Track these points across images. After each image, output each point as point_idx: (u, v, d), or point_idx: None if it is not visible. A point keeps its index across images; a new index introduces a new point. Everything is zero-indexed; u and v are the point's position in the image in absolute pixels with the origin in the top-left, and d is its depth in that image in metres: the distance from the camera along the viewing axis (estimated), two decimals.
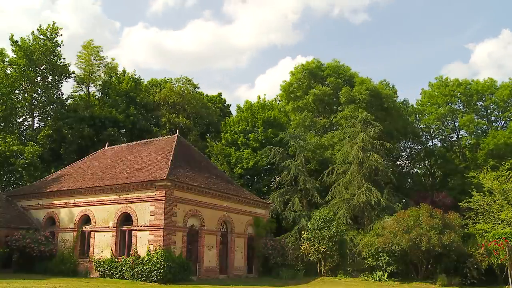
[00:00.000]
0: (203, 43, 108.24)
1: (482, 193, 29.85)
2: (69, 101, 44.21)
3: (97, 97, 46.18)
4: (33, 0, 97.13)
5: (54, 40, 40.48)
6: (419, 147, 50.40)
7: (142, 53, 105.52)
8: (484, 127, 46.75)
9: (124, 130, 43.53)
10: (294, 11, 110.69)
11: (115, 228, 23.46)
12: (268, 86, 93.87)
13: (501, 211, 27.83)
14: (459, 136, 48.13)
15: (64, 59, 41.56)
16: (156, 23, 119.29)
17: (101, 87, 45.41)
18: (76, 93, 45.37)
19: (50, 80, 41.58)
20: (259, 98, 47.06)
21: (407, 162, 52.49)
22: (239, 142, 41.86)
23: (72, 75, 42.93)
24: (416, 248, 23.54)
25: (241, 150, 41.30)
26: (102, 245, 23.72)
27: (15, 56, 38.75)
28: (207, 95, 54.54)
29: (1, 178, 35.54)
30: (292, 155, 38.97)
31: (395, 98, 46.72)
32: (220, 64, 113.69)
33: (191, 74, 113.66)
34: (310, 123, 44.62)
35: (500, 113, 47.10)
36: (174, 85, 49.86)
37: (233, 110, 57.14)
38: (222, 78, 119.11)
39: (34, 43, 39.27)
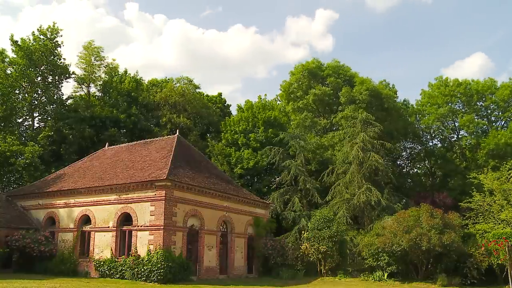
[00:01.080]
0: (239, 49, 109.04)
1: (482, 193, 29.83)
2: (69, 101, 44.23)
3: (97, 97, 46.18)
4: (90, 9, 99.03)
5: (54, 40, 40.51)
6: (419, 147, 50.44)
7: (175, 53, 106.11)
8: (484, 127, 46.73)
9: (125, 130, 43.54)
10: (324, 19, 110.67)
11: (115, 228, 23.46)
12: None
13: (501, 211, 27.82)
14: (459, 136, 48.14)
15: (64, 59, 41.73)
16: (202, 24, 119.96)
17: (101, 87, 45.42)
18: (77, 93, 45.43)
19: (50, 80, 41.61)
20: (260, 98, 47.11)
21: (407, 162, 52.58)
22: (239, 142, 41.85)
23: (72, 75, 42.98)
24: (417, 248, 23.53)
25: (241, 150, 41.29)
26: (102, 245, 23.72)
27: (15, 56, 38.77)
28: (207, 95, 54.54)
29: (1, 178, 35.54)
30: (292, 155, 38.97)
31: (395, 99, 46.76)
32: (249, 71, 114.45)
33: (223, 79, 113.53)
34: (310, 124, 44.56)
35: (500, 113, 47.08)
36: (175, 85, 49.86)
37: (234, 110, 57.24)
38: (253, 85, 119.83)
39: (34, 43, 39.29)
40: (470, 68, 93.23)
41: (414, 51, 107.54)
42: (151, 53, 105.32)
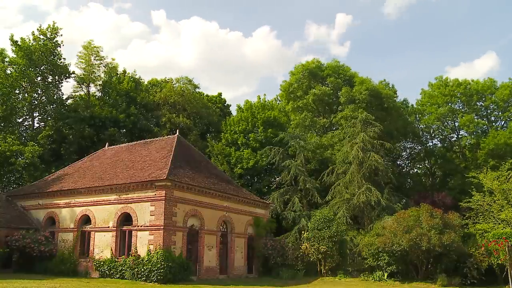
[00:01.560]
0: (256, 52, 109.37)
1: (482, 193, 29.84)
2: (69, 101, 44.23)
3: (97, 97, 46.16)
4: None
5: (54, 40, 40.49)
6: (419, 147, 50.48)
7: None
8: (484, 127, 46.82)
9: (124, 130, 43.52)
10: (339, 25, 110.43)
11: (115, 228, 23.46)
12: None
13: (501, 211, 27.82)
14: (459, 136, 48.20)
15: (64, 59, 41.70)
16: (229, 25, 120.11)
17: (101, 87, 45.41)
18: (76, 93, 45.40)
19: (50, 80, 41.57)
20: (259, 98, 47.10)
21: (407, 162, 52.60)
22: (239, 142, 41.85)
23: (72, 75, 42.97)
24: (417, 248, 23.52)
25: (241, 150, 41.28)
26: (102, 245, 23.71)
27: (15, 56, 38.73)
28: (207, 95, 54.56)
29: (1, 178, 35.52)
30: (292, 155, 38.96)
31: (395, 98, 46.80)
32: (266, 75, 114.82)
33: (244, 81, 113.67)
34: (310, 123, 44.62)
35: (500, 113, 47.16)
36: (174, 85, 49.88)
37: (233, 110, 57.23)
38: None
39: (34, 43, 39.26)
40: (481, 69, 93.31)
41: (423, 52, 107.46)
42: (170, 53, 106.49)
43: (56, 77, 41.75)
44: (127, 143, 32.83)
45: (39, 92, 40.73)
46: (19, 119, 40.81)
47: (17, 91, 38.88)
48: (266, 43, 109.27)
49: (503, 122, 47.59)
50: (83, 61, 44.13)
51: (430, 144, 50.27)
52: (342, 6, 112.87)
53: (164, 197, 21.90)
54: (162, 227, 21.58)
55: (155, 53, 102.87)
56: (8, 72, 37.64)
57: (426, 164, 51.06)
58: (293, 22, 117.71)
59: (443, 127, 48.41)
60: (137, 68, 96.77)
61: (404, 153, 51.65)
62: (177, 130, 31.24)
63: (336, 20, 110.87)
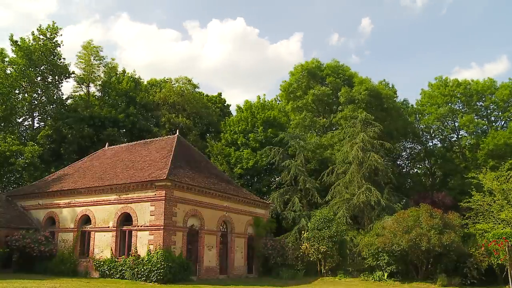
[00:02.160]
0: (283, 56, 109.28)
1: (482, 193, 29.85)
2: (69, 101, 44.24)
3: (97, 97, 46.18)
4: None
5: (54, 40, 40.50)
6: (419, 147, 50.53)
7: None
8: (484, 127, 46.85)
9: (124, 130, 43.52)
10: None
11: (115, 228, 23.45)
12: None
13: (501, 211, 27.83)
14: (459, 136, 48.24)
15: (64, 59, 41.72)
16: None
17: (101, 87, 45.41)
18: (76, 93, 45.40)
19: (50, 80, 41.59)
20: (259, 98, 47.12)
21: (407, 162, 52.64)
22: (239, 142, 41.86)
23: (72, 75, 42.98)
24: (416, 248, 23.53)
25: (241, 150, 41.30)
26: (102, 245, 23.71)
27: (15, 56, 38.73)
28: (207, 95, 54.57)
29: (1, 178, 35.51)
30: (292, 155, 38.98)
31: (394, 98, 46.82)
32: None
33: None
34: (309, 123, 44.66)
35: (500, 113, 47.20)
36: (174, 85, 49.89)
37: (233, 110, 57.22)
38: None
39: (34, 43, 39.26)
40: (490, 72, 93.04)
41: (432, 54, 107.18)
42: (194, 54, 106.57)
43: (56, 77, 41.76)
44: (127, 143, 32.84)
45: (39, 92, 40.75)
46: (19, 119, 40.85)
47: (17, 91, 38.89)
48: (289, 48, 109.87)
49: (503, 122, 47.69)
50: (83, 61, 44.14)
51: (430, 144, 50.42)
52: (364, 11, 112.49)
53: (164, 197, 21.90)
54: (162, 227, 21.57)
55: (179, 53, 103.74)
56: (8, 72, 37.63)
57: (426, 164, 51.10)
58: (317, 28, 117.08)
59: (443, 127, 48.45)
60: (159, 68, 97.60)
61: (404, 153, 51.74)
62: (177, 130, 31.24)
63: (360, 25, 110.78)
